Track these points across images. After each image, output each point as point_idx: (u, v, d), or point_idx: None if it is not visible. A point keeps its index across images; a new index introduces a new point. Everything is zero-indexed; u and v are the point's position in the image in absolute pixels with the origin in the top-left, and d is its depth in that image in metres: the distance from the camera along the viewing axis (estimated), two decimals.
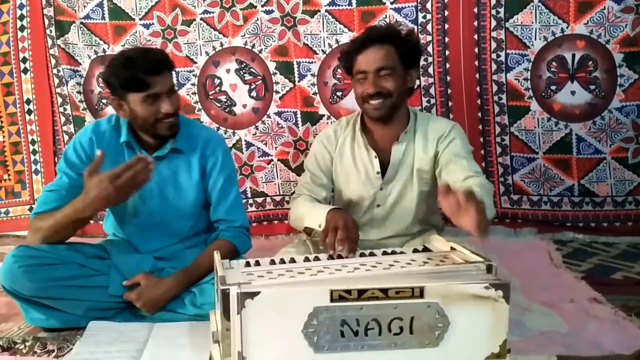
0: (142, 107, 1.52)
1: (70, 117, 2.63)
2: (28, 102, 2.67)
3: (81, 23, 2.55)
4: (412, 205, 1.69)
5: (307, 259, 1.25)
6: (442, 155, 1.61)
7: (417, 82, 1.64)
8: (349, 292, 1.00)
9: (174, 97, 1.57)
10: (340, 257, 1.27)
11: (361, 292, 1.00)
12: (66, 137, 2.65)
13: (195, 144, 1.67)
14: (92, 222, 2.54)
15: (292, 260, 1.23)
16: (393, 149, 1.66)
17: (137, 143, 1.63)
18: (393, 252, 1.27)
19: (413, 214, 1.69)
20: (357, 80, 1.63)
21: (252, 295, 0.99)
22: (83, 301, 1.52)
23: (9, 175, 2.73)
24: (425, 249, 1.29)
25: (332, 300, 1.00)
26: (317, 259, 1.26)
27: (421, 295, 1.01)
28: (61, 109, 2.64)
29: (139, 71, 1.48)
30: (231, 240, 1.65)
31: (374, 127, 1.69)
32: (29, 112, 2.68)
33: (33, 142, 2.69)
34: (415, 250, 1.29)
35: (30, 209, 2.71)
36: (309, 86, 2.48)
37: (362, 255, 1.27)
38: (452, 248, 1.24)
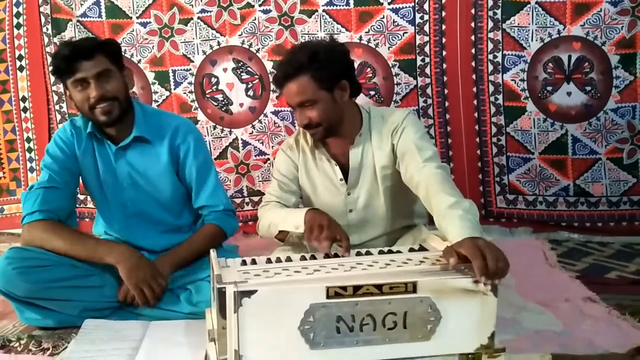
0: (75, 93, 1.56)
1: (66, 115, 2.62)
2: (24, 99, 2.66)
3: (78, 21, 2.54)
4: (383, 205, 1.67)
5: (303, 258, 1.25)
6: (398, 148, 1.58)
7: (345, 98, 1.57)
8: (344, 288, 1.01)
9: (108, 81, 1.54)
10: (336, 255, 1.27)
11: (356, 289, 1.01)
12: None
13: (163, 132, 1.67)
14: (87, 220, 2.57)
15: (289, 259, 1.23)
16: (350, 153, 1.64)
17: (101, 134, 1.64)
18: (390, 251, 1.28)
19: (387, 212, 1.67)
20: (294, 111, 1.61)
21: (249, 293, 0.99)
22: (78, 302, 1.51)
23: (4, 173, 2.72)
24: (422, 248, 1.30)
25: (328, 296, 1.00)
26: (313, 257, 1.26)
27: (414, 291, 1.02)
28: (57, 107, 2.63)
29: (62, 57, 1.52)
30: (215, 224, 1.67)
31: (326, 139, 1.67)
32: (25, 109, 2.67)
33: (28, 140, 2.68)
34: (411, 250, 1.29)
35: None
36: None
37: (358, 254, 1.27)
38: (448, 246, 1.24)
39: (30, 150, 2.68)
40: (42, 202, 1.55)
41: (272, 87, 2.50)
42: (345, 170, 1.66)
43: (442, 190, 1.34)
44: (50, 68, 1.57)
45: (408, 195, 1.65)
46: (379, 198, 1.67)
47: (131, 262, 1.49)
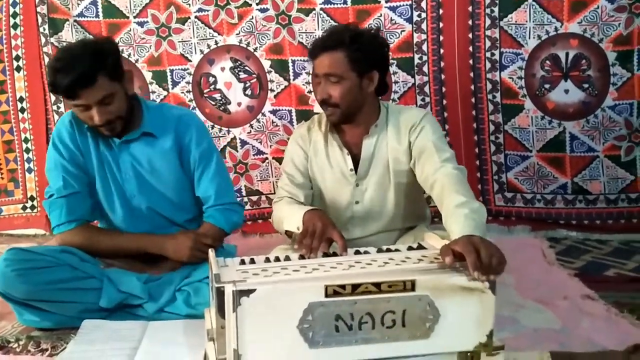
0: (76, 111, 1.53)
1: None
2: (21, 100, 2.66)
3: (75, 21, 2.53)
4: (391, 200, 1.67)
5: (302, 257, 1.25)
6: (414, 146, 1.59)
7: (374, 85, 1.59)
8: (343, 287, 1.00)
9: (111, 104, 1.49)
10: (334, 254, 1.27)
11: (355, 287, 1.01)
12: None
13: (167, 125, 1.66)
14: None
15: (287, 258, 1.23)
16: (363, 143, 1.64)
17: None
18: (388, 250, 1.27)
19: (394, 208, 1.67)
20: (315, 84, 1.62)
21: (248, 292, 0.99)
22: (76, 303, 1.51)
23: (1, 173, 2.71)
24: (420, 247, 1.30)
25: (326, 295, 1.00)
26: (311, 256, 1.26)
27: (412, 289, 1.02)
28: (54, 107, 2.63)
29: (61, 88, 1.44)
30: (211, 222, 1.66)
31: (342, 125, 1.67)
32: (22, 110, 2.66)
33: (26, 140, 2.67)
34: (410, 248, 1.29)
35: (24, 208, 2.69)
36: (303, 84, 2.48)
37: (357, 252, 1.27)
38: (444, 245, 1.24)
39: (28, 150, 2.68)
40: (68, 213, 1.59)
41: (270, 85, 2.51)
42: (356, 162, 1.66)
43: (455, 191, 1.35)
44: (49, 87, 1.54)
45: (417, 196, 1.67)
46: (389, 193, 1.66)
47: (171, 242, 1.61)
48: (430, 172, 1.49)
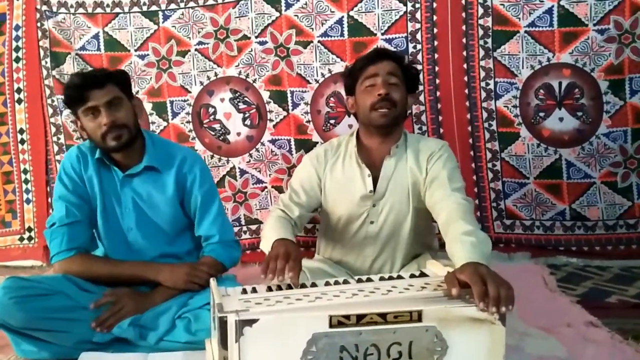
0: (87, 122, 1.59)
1: (64, 147, 2.63)
2: (21, 131, 2.67)
3: (76, 54, 2.58)
4: (408, 223, 1.69)
5: (303, 285, 1.25)
6: (429, 173, 1.63)
7: (410, 109, 1.70)
8: (347, 317, 1.00)
9: (118, 109, 1.59)
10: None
11: (360, 317, 1.00)
12: (59, 166, 2.64)
13: (171, 162, 1.70)
14: None
15: (289, 287, 1.23)
16: (384, 164, 1.68)
17: (109, 160, 1.66)
18: (390, 278, 1.27)
19: (409, 232, 1.69)
20: (365, 90, 1.66)
21: (251, 322, 0.98)
22: (72, 333, 1.49)
23: None
24: (422, 274, 1.29)
25: (331, 325, 0.99)
26: (314, 285, 1.25)
27: (419, 319, 1.01)
28: (54, 138, 2.65)
29: (74, 87, 1.56)
30: (212, 256, 1.67)
31: (370, 141, 1.72)
32: (22, 141, 2.68)
33: (25, 172, 2.68)
34: (412, 276, 1.29)
35: (21, 239, 2.67)
36: (302, 114, 2.51)
37: (359, 281, 1.26)
38: (449, 272, 1.24)
39: (27, 182, 2.68)
40: (68, 241, 1.60)
41: (269, 116, 2.54)
42: (374, 182, 1.69)
43: (462, 219, 1.36)
44: (62, 98, 1.65)
45: (429, 223, 1.68)
46: (408, 216, 1.68)
47: (167, 269, 1.61)
48: (439, 199, 1.52)
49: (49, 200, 2.65)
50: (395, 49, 2.41)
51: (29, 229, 2.67)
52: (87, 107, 1.57)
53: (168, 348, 1.50)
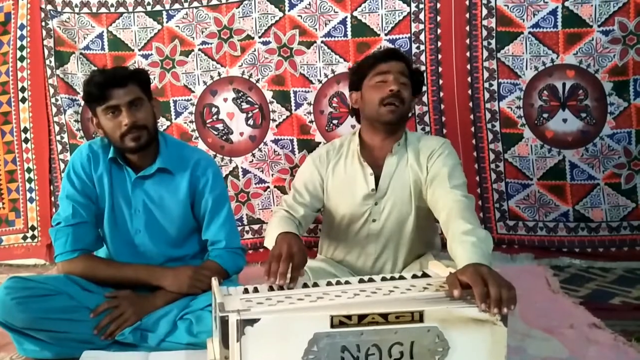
0: (105, 120, 1.57)
1: (67, 145, 2.64)
2: (25, 130, 2.68)
3: (80, 54, 2.59)
4: (411, 222, 1.69)
5: (305, 285, 1.25)
6: (430, 171, 1.64)
7: (412, 111, 1.71)
8: (349, 317, 0.99)
9: (139, 110, 1.58)
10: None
11: (361, 317, 1.00)
12: (62, 165, 2.65)
13: (185, 165, 1.69)
14: None
15: (291, 287, 1.23)
16: (386, 162, 1.69)
17: (123, 160, 1.65)
18: (392, 278, 1.27)
19: (412, 230, 1.70)
20: (375, 85, 1.67)
21: (252, 322, 0.98)
22: (74, 334, 1.49)
23: (3, 203, 2.72)
24: (425, 275, 1.29)
25: (332, 325, 0.99)
26: (315, 285, 1.25)
27: (421, 320, 1.00)
28: (58, 137, 2.65)
29: (96, 84, 1.54)
30: (217, 261, 1.66)
31: (373, 139, 1.72)
32: (26, 140, 2.69)
33: (29, 170, 2.69)
34: (414, 276, 1.28)
35: (24, 237, 2.69)
36: (305, 114, 2.51)
37: (361, 281, 1.26)
38: (451, 273, 1.24)
39: (30, 180, 2.69)
40: (73, 242, 1.58)
41: (272, 116, 2.54)
42: (376, 182, 1.70)
43: (462, 217, 1.36)
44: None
45: (432, 222, 1.69)
46: (410, 215, 1.69)
47: (170, 274, 1.60)
48: (440, 196, 1.52)
49: (52, 199, 2.66)
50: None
51: (32, 228, 2.68)
52: (107, 106, 1.55)
53: (169, 349, 1.49)
